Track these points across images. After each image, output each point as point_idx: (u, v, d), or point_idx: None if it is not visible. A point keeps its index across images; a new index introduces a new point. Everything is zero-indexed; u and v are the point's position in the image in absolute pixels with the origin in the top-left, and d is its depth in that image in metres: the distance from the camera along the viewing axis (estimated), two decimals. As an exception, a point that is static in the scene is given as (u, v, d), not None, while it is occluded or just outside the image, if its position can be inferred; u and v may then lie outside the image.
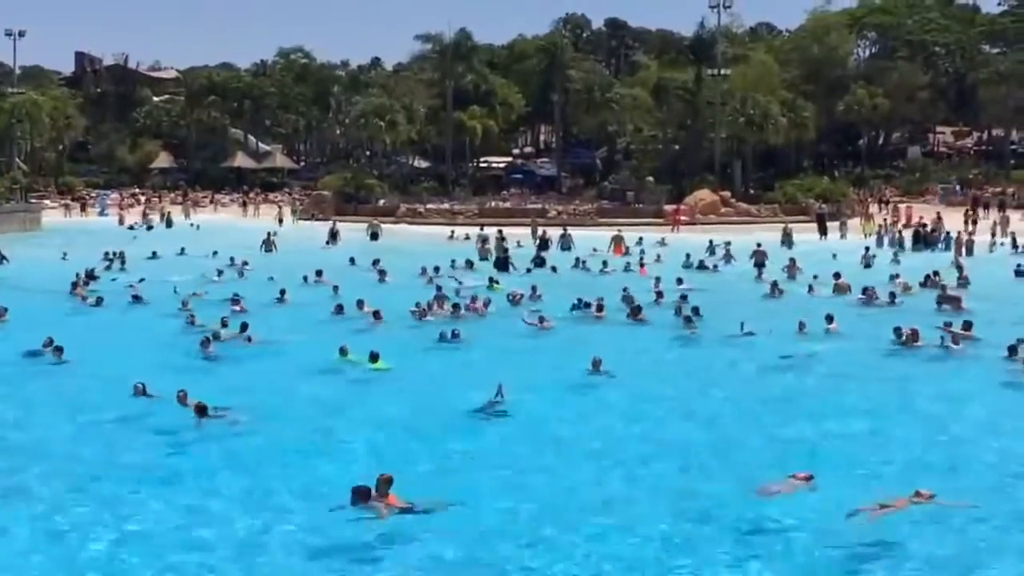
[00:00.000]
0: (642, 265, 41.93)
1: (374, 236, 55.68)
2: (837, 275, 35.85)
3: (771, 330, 26.82)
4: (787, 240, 51.18)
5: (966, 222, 57.62)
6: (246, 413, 18.89)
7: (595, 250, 46.41)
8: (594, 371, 21.95)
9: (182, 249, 46.74)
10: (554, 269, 41.71)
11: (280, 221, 64.71)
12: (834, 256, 42.45)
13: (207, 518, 14.21)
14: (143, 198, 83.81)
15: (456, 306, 29.78)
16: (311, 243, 52.57)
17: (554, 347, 26.07)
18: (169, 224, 64.12)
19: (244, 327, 26.23)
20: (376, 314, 28.42)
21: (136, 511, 14.47)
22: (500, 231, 49.15)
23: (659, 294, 32.69)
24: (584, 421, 19.26)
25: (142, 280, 34.67)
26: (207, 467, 16.37)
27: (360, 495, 13.63)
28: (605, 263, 41.81)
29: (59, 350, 23.46)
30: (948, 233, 51.41)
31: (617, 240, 49.60)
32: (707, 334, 27.00)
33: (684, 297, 31.35)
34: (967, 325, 25.80)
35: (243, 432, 18.05)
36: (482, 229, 52.26)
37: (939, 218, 55.80)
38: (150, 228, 62.72)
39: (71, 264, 39.68)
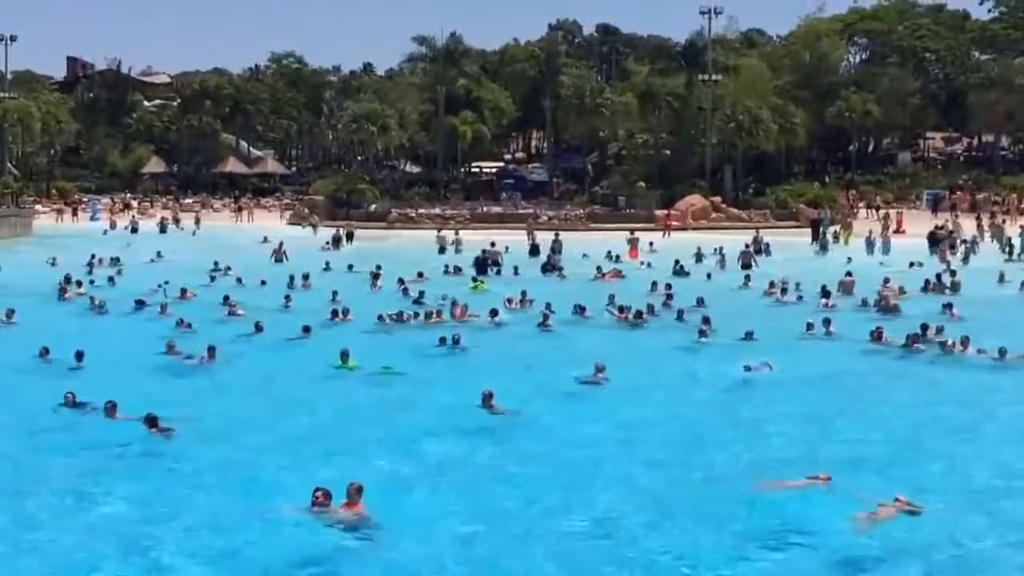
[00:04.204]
0: (610, 272, 41.04)
1: (349, 236, 56.91)
2: (848, 273, 36.64)
3: (774, 333, 27.07)
4: (759, 247, 49.47)
5: (978, 227, 57.83)
6: (221, 420, 18.78)
7: (585, 255, 46.53)
8: (595, 376, 21.93)
9: (158, 253, 46.92)
10: (502, 271, 42.29)
11: (314, 228, 63.89)
12: (848, 259, 42.56)
13: (154, 530, 13.81)
14: (135, 203, 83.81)
15: (435, 313, 29.75)
16: (316, 247, 52.80)
17: (558, 350, 26.10)
18: (163, 229, 64.13)
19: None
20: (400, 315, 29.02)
21: (78, 522, 14.09)
22: (457, 232, 53.96)
23: (668, 296, 32.72)
24: (587, 424, 19.22)
25: (166, 283, 34.61)
26: (160, 480, 15.84)
27: (321, 498, 13.60)
28: (599, 268, 41.64)
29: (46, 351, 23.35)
30: (964, 239, 51.61)
31: (632, 243, 49.70)
32: (710, 338, 27.00)
33: (700, 301, 31.35)
34: (915, 337, 25.67)
35: (212, 439, 17.74)
36: (440, 231, 55.61)
37: (956, 222, 56.04)
38: (134, 231, 62.77)
39: (60, 270, 39.62)
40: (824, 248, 52.33)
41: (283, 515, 14.00)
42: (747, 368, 22.64)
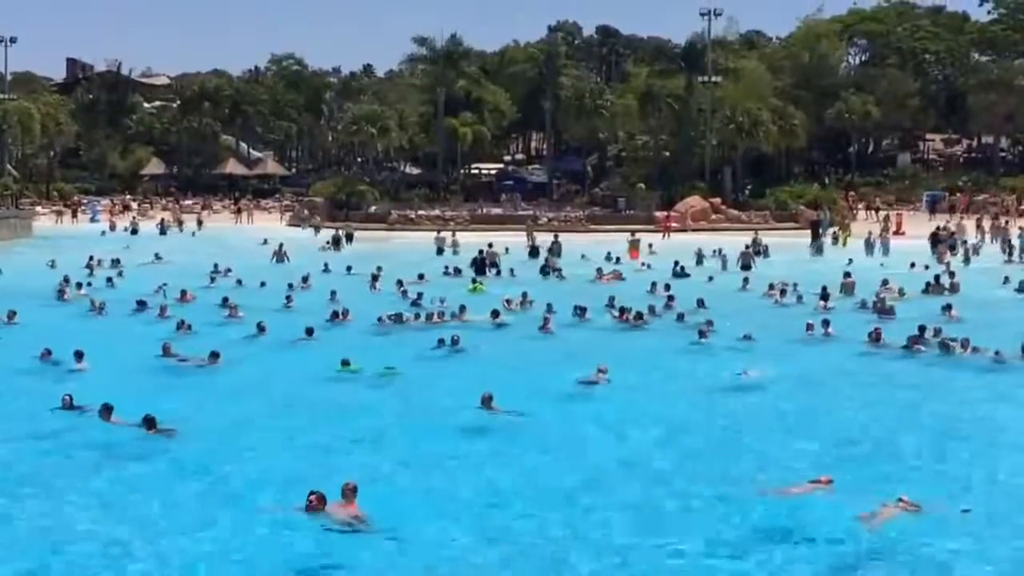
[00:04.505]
0: (604, 274, 40.79)
1: (348, 238, 57.18)
2: (847, 274, 36.68)
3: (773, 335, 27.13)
4: (758, 249, 49.09)
5: (979, 228, 57.87)
6: (218, 422, 18.76)
7: (584, 256, 46.56)
8: (596, 376, 21.90)
9: (156, 255, 46.78)
10: (500, 272, 42.46)
11: (316, 229, 63.55)
12: (850, 261, 42.56)
13: (146, 534, 13.72)
14: (134, 204, 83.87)
15: (436, 315, 29.61)
16: (317, 248, 52.82)
17: (558, 352, 26.08)
18: (163, 231, 64.11)
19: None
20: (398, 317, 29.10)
21: (65, 529, 13.95)
22: (454, 232, 55.03)
23: (670, 298, 32.66)
24: (587, 426, 19.18)
25: (164, 285, 34.64)
26: (156, 482, 15.74)
27: (316, 501, 13.60)
28: (600, 270, 41.45)
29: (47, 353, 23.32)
30: (966, 240, 51.49)
31: (633, 244, 49.61)
32: (710, 339, 26.90)
33: (700, 302, 31.30)
34: (915, 338, 25.64)
35: (210, 442, 17.70)
36: (438, 233, 55.80)
37: (960, 223, 56.11)
38: (134, 232, 62.83)
39: (59, 271, 39.56)
40: (819, 250, 52.30)
41: (278, 518, 13.96)
42: (742, 373, 22.60)
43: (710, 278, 40.20)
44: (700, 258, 46.35)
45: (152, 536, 13.61)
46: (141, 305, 31.55)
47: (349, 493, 13.73)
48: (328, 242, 54.69)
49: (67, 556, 13.06)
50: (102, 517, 14.36)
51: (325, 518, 13.54)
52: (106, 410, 18.05)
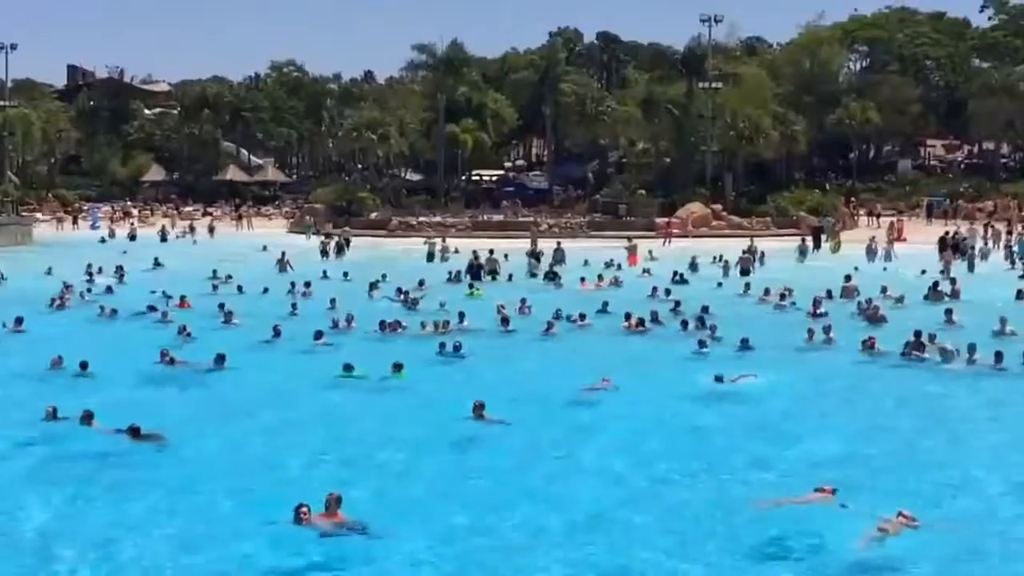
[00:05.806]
0: (597, 281, 40.65)
1: (347, 243, 57.07)
2: (848, 277, 36.80)
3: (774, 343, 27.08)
4: (755, 256, 48.38)
5: (984, 234, 57.81)
6: (214, 428, 18.80)
7: (587, 262, 46.52)
8: (599, 384, 21.83)
9: (156, 260, 46.77)
10: (498, 277, 42.54)
11: (327, 236, 61.85)
12: (856, 268, 42.34)
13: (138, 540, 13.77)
14: (135, 211, 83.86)
15: (443, 324, 29.49)
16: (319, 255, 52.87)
17: (560, 358, 26.07)
18: (163, 238, 63.99)
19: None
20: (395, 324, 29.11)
21: (56, 537, 13.90)
22: (444, 239, 55.58)
23: (677, 303, 32.51)
24: (585, 435, 19.10)
25: (162, 291, 34.62)
26: (146, 491, 15.68)
27: (306, 513, 13.58)
28: (599, 275, 41.48)
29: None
30: (973, 245, 51.38)
31: (631, 249, 49.51)
32: (710, 347, 26.79)
33: (706, 309, 31.14)
34: (918, 345, 25.60)
35: (203, 449, 17.73)
36: (430, 239, 56.09)
37: (971, 227, 56.10)
38: (132, 239, 62.79)
39: (56, 278, 39.43)
40: (803, 253, 51.91)
41: (268, 530, 13.89)
42: (721, 379, 22.47)
43: (719, 284, 39.82)
44: (695, 266, 45.75)
45: (140, 546, 13.57)
46: (152, 310, 31.86)
47: (333, 504, 13.76)
48: (324, 239, 54.66)
49: (56, 564, 13.02)
50: (92, 527, 14.30)
51: (314, 529, 13.53)
52: (87, 416, 18.02)
